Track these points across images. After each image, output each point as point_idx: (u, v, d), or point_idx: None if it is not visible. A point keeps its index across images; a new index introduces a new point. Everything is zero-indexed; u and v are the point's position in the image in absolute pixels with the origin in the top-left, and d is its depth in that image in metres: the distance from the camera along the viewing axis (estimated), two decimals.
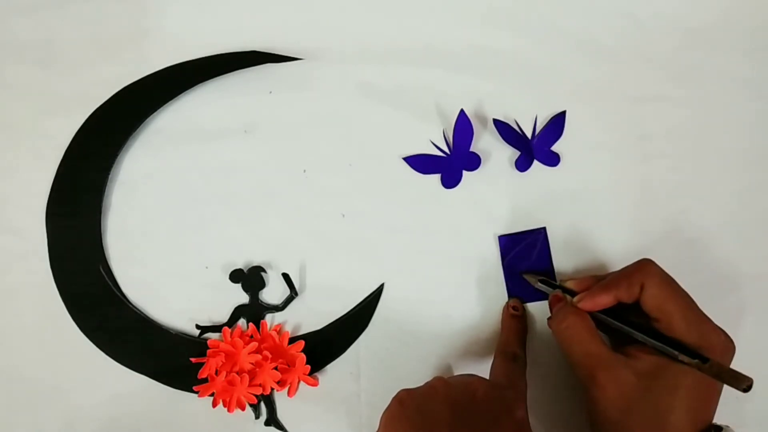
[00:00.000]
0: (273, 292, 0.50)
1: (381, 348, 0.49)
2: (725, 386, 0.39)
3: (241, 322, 0.50)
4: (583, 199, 0.51)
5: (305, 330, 0.50)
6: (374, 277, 0.50)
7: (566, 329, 0.42)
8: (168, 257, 0.51)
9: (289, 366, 0.48)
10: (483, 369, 0.46)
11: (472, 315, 0.49)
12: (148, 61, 0.54)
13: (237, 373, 0.47)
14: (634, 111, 0.53)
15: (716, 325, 0.40)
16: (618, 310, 0.42)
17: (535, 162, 0.51)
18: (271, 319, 0.50)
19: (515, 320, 0.47)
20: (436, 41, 0.55)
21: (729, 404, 0.41)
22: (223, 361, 0.47)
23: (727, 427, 0.38)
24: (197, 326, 0.49)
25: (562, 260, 0.49)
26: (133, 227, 0.52)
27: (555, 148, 0.52)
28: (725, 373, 0.37)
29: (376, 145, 0.53)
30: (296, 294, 0.50)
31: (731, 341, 0.40)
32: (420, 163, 0.51)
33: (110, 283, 0.50)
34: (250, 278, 0.50)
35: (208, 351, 0.48)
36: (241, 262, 0.51)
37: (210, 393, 0.47)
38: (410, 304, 0.49)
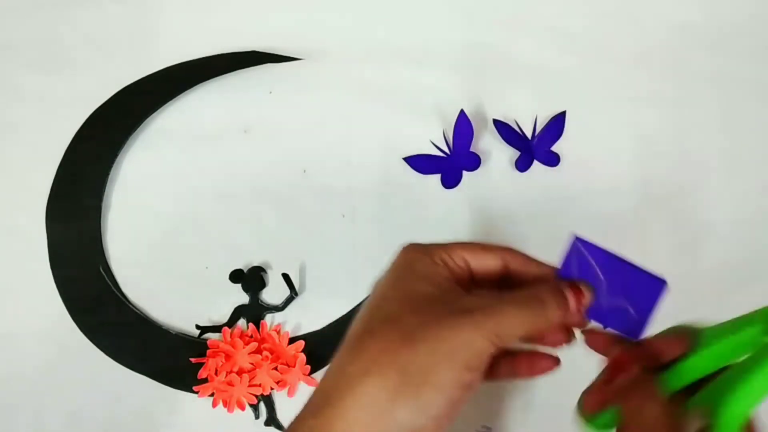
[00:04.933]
0: (273, 292, 0.50)
1: None
2: None
3: (241, 322, 0.50)
4: (583, 199, 0.51)
5: (305, 330, 0.50)
6: (374, 277, 0.50)
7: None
8: (168, 257, 0.51)
9: (289, 366, 0.48)
10: None
11: None
12: (148, 61, 0.54)
13: (237, 373, 0.47)
14: (634, 111, 0.53)
15: None
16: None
17: (535, 162, 0.51)
18: (271, 319, 0.50)
19: (561, 309, 0.30)
20: (436, 41, 0.55)
21: None
22: (223, 361, 0.47)
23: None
24: (197, 326, 0.49)
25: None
26: (133, 227, 0.52)
27: (555, 148, 0.52)
28: None
29: (376, 145, 0.53)
30: (296, 294, 0.50)
31: None
32: (420, 163, 0.51)
33: (110, 283, 0.50)
34: (250, 278, 0.50)
35: (208, 351, 0.48)
36: (241, 262, 0.51)
37: (210, 393, 0.47)
38: None
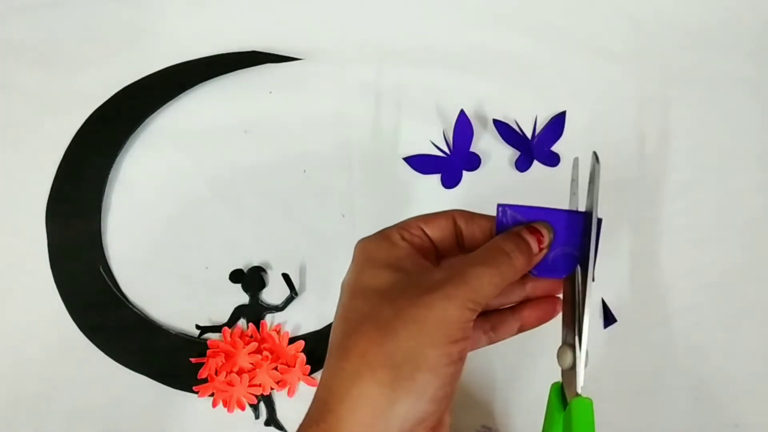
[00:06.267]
0: (273, 292, 0.50)
1: None
2: None
3: (241, 322, 0.50)
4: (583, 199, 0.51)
5: (305, 330, 0.50)
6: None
7: None
8: (168, 257, 0.51)
9: (289, 366, 0.48)
10: (491, 363, 0.45)
11: None
12: (148, 61, 0.54)
13: (237, 373, 0.47)
14: (634, 111, 0.53)
15: None
16: None
17: (535, 162, 0.51)
18: (271, 319, 0.50)
19: (524, 254, 0.30)
20: (436, 41, 0.55)
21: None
22: (223, 361, 0.47)
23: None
24: (197, 326, 0.49)
25: None
26: (133, 227, 0.52)
27: (555, 148, 0.52)
28: None
29: (376, 145, 0.53)
30: (296, 294, 0.50)
31: None
32: (420, 163, 0.51)
33: (110, 283, 0.50)
34: (250, 278, 0.50)
35: (208, 351, 0.48)
36: (241, 263, 0.51)
37: (210, 393, 0.47)
38: None
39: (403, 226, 0.32)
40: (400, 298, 0.28)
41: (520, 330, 0.35)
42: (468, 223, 0.33)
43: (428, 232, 0.32)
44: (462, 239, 0.33)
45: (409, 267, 0.30)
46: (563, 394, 0.31)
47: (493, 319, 0.34)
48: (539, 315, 0.34)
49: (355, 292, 0.31)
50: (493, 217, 0.32)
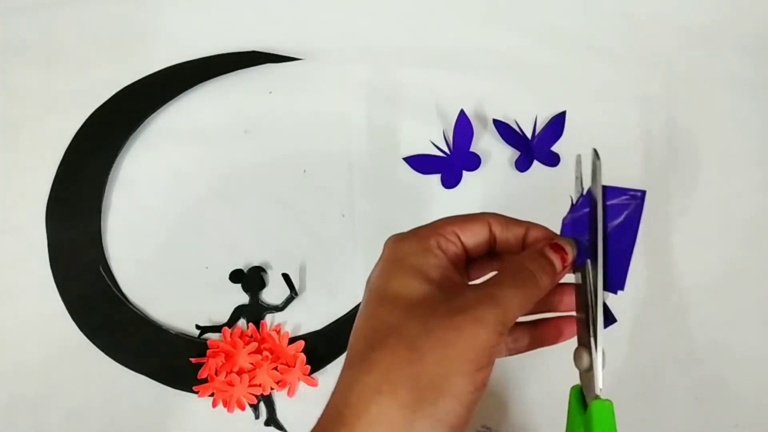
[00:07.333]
0: (273, 292, 0.50)
1: None
2: None
3: (241, 322, 0.50)
4: None
5: (305, 330, 0.50)
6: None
7: None
8: (168, 257, 0.51)
9: (289, 366, 0.48)
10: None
11: None
12: (148, 61, 0.54)
13: (237, 373, 0.47)
14: (634, 111, 0.53)
15: None
16: None
17: (535, 162, 0.51)
18: (271, 319, 0.50)
19: (549, 275, 0.30)
20: (436, 41, 0.55)
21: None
22: (223, 361, 0.47)
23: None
24: (197, 326, 0.49)
25: None
26: (133, 227, 0.52)
27: (555, 148, 0.52)
28: None
29: (376, 145, 0.53)
30: (296, 294, 0.50)
31: None
32: (420, 163, 0.51)
33: (110, 283, 0.50)
34: (250, 278, 0.50)
35: (208, 351, 0.48)
36: (241, 263, 0.51)
37: (210, 393, 0.47)
38: None
39: (438, 231, 0.31)
40: (430, 316, 0.28)
41: (540, 345, 0.34)
42: (503, 230, 0.32)
43: (463, 239, 0.31)
44: (494, 245, 0.32)
45: (441, 280, 0.29)
46: (583, 396, 0.31)
47: (515, 333, 0.34)
48: (563, 334, 0.33)
49: (382, 298, 0.29)
50: (525, 222, 0.32)
